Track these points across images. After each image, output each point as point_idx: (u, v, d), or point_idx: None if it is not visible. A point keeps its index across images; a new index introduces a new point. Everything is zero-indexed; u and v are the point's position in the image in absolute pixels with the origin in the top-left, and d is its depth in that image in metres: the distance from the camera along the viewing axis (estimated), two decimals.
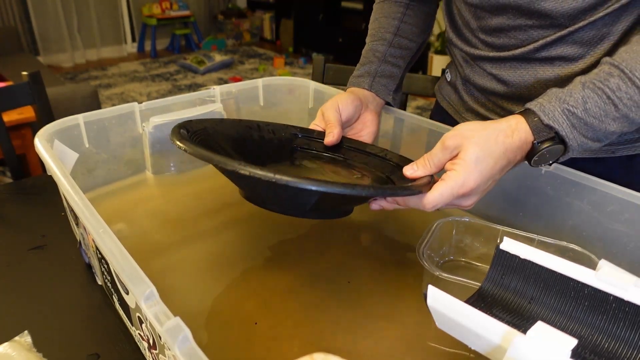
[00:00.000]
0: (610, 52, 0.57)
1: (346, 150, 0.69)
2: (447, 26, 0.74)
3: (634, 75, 0.48)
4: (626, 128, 0.51)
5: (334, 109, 0.67)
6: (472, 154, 0.50)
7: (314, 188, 0.43)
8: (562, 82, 0.60)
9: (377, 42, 0.76)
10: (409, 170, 0.55)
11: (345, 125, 0.69)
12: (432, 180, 0.54)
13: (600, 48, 0.57)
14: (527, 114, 0.51)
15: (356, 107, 0.69)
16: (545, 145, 0.50)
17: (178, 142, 0.50)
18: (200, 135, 0.58)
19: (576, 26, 0.56)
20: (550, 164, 0.53)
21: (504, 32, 0.62)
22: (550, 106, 0.50)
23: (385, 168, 0.64)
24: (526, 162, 0.53)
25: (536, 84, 0.63)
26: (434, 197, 0.50)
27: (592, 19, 0.55)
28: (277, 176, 0.43)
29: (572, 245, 0.55)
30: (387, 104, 0.77)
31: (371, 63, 0.75)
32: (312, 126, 0.70)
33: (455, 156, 0.52)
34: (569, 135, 0.50)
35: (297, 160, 0.68)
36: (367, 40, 0.78)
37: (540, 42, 0.59)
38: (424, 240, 0.56)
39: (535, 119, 0.51)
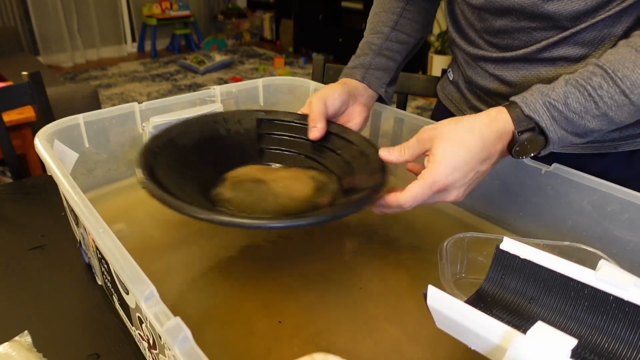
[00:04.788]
0: None
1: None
2: (449, 27, 0.74)
3: (616, 76, 0.49)
4: (605, 127, 0.52)
5: (321, 102, 0.67)
6: (441, 149, 0.51)
7: (247, 224, 0.47)
8: None
9: (374, 35, 0.76)
10: (383, 152, 0.58)
11: (331, 117, 0.70)
12: (377, 189, 0.54)
13: (601, 49, 0.58)
14: (509, 105, 0.53)
15: (343, 101, 0.70)
16: (526, 135, 0.51)
17: (145, 183, 0.52)
18: (167, 151, 0.60)
19: (578, 28, 0.56)
20: (532, 157, 0.54)
21: (507, 34, 0.62)
22: (532, 98, 0.52)
23: (343, 161, 0.66)
24: (512, 156, 0.54)
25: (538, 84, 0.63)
26: (407, 197, 0.52)
27: (593, 20, 0.55)
28: (216, 217, 0.48)
29: (580, 245, 0.55)
30: (380, 97, 0.77)
31: (366, 55, 0.75)
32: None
33: (429, 151, 0.53)
34: (549, 127, 0.51)
35: (264, 156, 0.70)
36: (365, 33, 0.78)
37: (543, 43, 0.59)
38: (444, 266, 0.54)
39: (517, 109, 0.52)
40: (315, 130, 0.66)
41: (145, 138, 0.75)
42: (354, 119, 0.71)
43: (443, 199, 0.54)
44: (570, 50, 0.59)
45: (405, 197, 0.52)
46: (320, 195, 0.62)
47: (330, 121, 0.69)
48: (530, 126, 0.51)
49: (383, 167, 0.60)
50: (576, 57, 0.59)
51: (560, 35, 0.58)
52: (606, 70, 0.50)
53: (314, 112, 0.67)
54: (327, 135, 0.68)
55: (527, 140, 0.52)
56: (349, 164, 0.65)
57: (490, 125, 0.52)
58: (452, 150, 0.52)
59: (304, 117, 0.69)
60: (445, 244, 0.55)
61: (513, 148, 0.52)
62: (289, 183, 0.65)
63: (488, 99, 0.72)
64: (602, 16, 0.55)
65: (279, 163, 0.70)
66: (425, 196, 0.52)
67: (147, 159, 0.56)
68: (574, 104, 0.50)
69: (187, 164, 0.61)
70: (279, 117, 0.71)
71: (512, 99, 0.53)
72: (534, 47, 0.60)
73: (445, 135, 0.52)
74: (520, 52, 0.62)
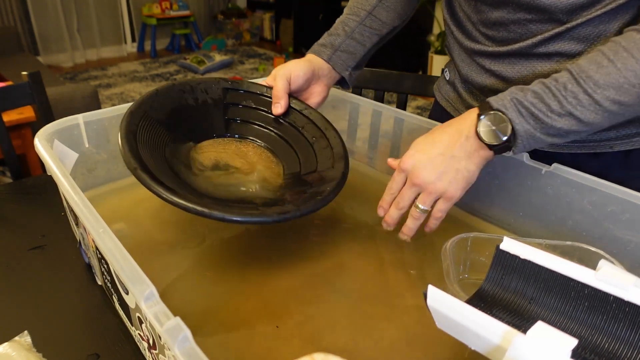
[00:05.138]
0: None
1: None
2: (447, 20, 0.74)
3: (580, 77, 0.51)
4: (577, 127, 0.53)
5: (285, 78, 0.72)
6: (416, 140, 0.59)
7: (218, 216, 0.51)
8: None
9: (350, 17, 0.78)
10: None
11: (293, 93, 0.74)
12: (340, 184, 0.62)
13: (596, 45, 0.58)
14: (480, 104, 0.57)
15: (307, 80, 0.74)
16: (488, 115, 0.54)
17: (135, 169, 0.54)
18: (144, 126, 0.62)
19: (574, 22, 0.57)
20: (504, 146, 0.55)
21: (503, 26, 0.63)
22: (502, 96, 0.55)
23: (307, 142, 0.71)
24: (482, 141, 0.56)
25: (534, 80, 0.63)
26: (389, 183, 0.61)
27: (589, 16, 0.56)
28: (197, 207, 0.51)
29: (582, 245, 0.54)
30: (343, 80, 0.79)
31: (337, 36, 0.77)
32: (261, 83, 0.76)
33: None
34: (515, 119, 0.53)
35: (230, 128, 0.73)
36: (343, 13, 0.80)
37: (539, 37, 0.60)
38: (448, 267, 0.54)
39: (486, 104, 0.55)
40: (278, 107, 0.72)
41: None
42: (313, 98, 0.76)
43: (427, 191, 0.58)
44: (566, 46, 0.59)
45: (389, 182, 0.61)
46: (286, 185, 0.66)
47: (293, 97, 0.74)
48: (492, 111, 0.54)
49: (345, 155, 0.67)
50: (572, 53, 0.59)
51: (556, 30, 0.58)
52: (572, 72, 0.52)
53: (278, 88, 0.71)
54: (291, 111, 0.73)
55: (488, 117, 0.54)
56: (311, 146, 0.70)
57: (459, 118, 0.57)
58: (418, 139, 0.60)
59: (269, 89, 0.74)
60: (447, 245, 0.55)
61: (477, 129, 0.55)
62: (259, 167, 0.69)
63: (484, 98, 0.72)
64: (598, 12, 0.55)
65: (244, 136, 0.73)
66: (397, 178, 0.60)
67: (130, 142, 0.58)
68: (539, 103, 0.52)
69: (162, 140, 0.64)
70: (244, 87, 0.74)
71: (486, 99, 0.56)
72: (529, 41, 0.61)
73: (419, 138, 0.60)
74: (516, 46, 0.62)
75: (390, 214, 0.62)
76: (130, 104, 0.63)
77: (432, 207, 0.59)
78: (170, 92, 0.68)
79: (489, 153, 0.56)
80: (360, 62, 0.79)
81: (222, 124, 0.73)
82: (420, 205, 0.59)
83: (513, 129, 0.53)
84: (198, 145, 0.69)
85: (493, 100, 0.55)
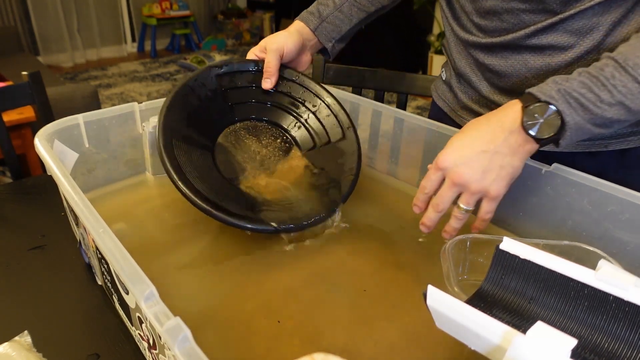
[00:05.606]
0: (600, 44, 0.58)
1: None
2: (444, 11, 0.74)
3: (627, 65, 0.49)
4: (624, 116, 0.51)
5: (277, 54, 0.73)
6: (453, 137, 0.56)
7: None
8: (553, 71, 0.61)
9: None
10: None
11: (282, 63, 0.75)
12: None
13: (589, 38, 0.58)
14: (522, 96, 0.54)
15: (298, 52, 0.76)
16: (534, 106, 0.52)
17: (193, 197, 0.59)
18: (173, 144, 0.63)
19: (567, 14, 0.57)
20: (552, 139, 0.53)
21: (497, 15, 0.62)
22: (547, 87, 0.52)
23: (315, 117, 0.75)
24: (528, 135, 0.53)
25: (527, 74, 0.63)
26: (423, 181, 0.57)
27: (582, 7, 0.56)
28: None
29: (580, 244, 0.54)
30: (324, 49, 0.80)
31: (327, 6, 0.78)
32: (250, 54, 0.76)
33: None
34: (565, 111, 0.51)
35: (235, 112, 0.74)
36: None
37: (532, 27, 0.59)
38: (448, 269, 0.53)
39: (530, 96, 0.53)
40: (268, 82, 0.73)
41: (145, 138, 0.75)
42: (300, 67, 0.79)
43: (470, 190, 0.55)
44: (559, 38, 0.59)
45: (423, 180, 0.58)
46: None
47: (285, 66, 0.76)
48: (538, 103, 0.51)
49: (351, 123, 0.72)
50: (564, 46, 0.59)
51: (550, 21, 0.58)
52: (617, 61, 0.50)
53: (270, 63, 0.73)
54: (285, 82, 0.76)
55: (534, 109, 0.52)
56: (315, 115, 0.74)
57: (497, 111, 0.54)
58: (455, 136, 0.56)
59: (259, 63, 0.75)
60: (447, 246, 0.55)
61: (524, 122, 0.52)
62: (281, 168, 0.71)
63: (479, 97, 0.72)
64: (592, 3, 0.55)
65: (250, 118, 0.74)
66: (433, 177, 0.57)
67: (172, 160, 0.61)
68: (589, 94, 0.50)
69: (189, 149, 0.65)
70: (235, 69, 0.75)
71: (527, 90, 0.53)
72: (522, 32, 0.60)
73: (457, 133, 0.56)
74: (509, 36, 0.62)
75: (429, 217, 0.59)
76: (157, 136, 0.63)
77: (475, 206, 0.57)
78: (176, 101, 0.68)
79: (534, 147, 0.54)
80: (344, 36, 0.80)
81: (229, 112, 0.73)
82: (463, 206, 0.56)
83: (562, 120, 0.51)
84: (217, 143, 0.70)
85: (536, 91, 0.52)
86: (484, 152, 0.53)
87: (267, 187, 0.66)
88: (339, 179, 0.68)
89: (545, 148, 0.66)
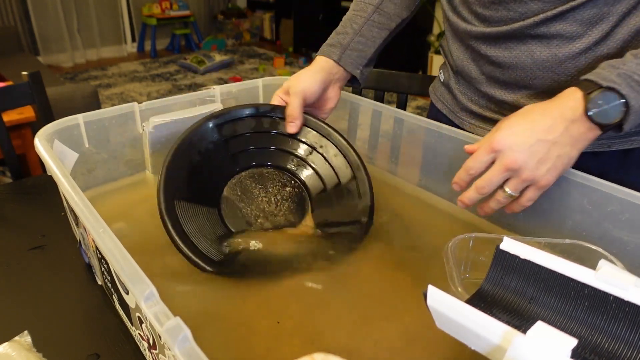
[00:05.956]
0: (607, 35, 0.57)
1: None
2: (443, 4, 0.73)
3: None
4: None
5: (301, 96, 0.69)
6: (501, 122, 0.54)
7: None
8: (559, 63, 0.60)
9: (357, 13, 0.76)
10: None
11: (308, 107, 0.72)
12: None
13: (598, 28, 0.57)
14: (579, 83, 0.52)
15: (323, 90, 0.72)
16: (596, 93, 0.50)
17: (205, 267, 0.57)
18: (173, 198, 0.61)
19: (578, 1, 0.56)
20: (618, 126, 0.51)
21: (502, 4, 0.61)
22: (605, 72, 0.51)
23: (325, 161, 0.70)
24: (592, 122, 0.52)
25: (532, 66, 0.62)
26: (469, 160, 0.55)
27: None
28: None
29: (581, 242, 0.54)
30: (354, 78, 0.77)
31: (346, 34, 0.75)
32: (274, 98, 0.73)
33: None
34: (629, 95, 0.49)
35: (237, 161, 0.71)
36: (350, 8, 0.78)
37: (541, 16, 0.58)
38: (451, 269, 0.53)
39: (589, 83, 0.51)
40: (293, 126, 0.69)
41: (145, 138, 0.75)
42: (328, 104, 0.75)
43: (521, 177, 0.53)
44: (568, 27, 0.58)
45: (469, 160, 0.55)
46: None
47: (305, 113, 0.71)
48: (600, 89, 0.50)
49: (361, 161, 0.66)
50: (571, 35, 0.58)
51: (559, 9, 0.57)
52: None
53: (294, 107, 0.69)
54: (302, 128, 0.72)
55: (599, 97, 0.50)
56: (316, 150, 0.70)
57: (554, 100, 0.53)
58: (510, 119, 0.54)
59: (259, 107, 0.72)
60: (449, 245, 0.55)
61: (589, 110, 0.50)
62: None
63: (479, 98, 0.72)
64: None
65: (254, 165, 0.71)
66: (483, 158, 0.54)
67: (170, 214, 0.59)
68: None
69: (189, 206, 0.63)
70: (233, 116, 0.72)
71: (583, 77, 0.52)
72: (530, 20, 0.59)
73: (508, 117, 0.54)
74: (516, 25, 0.60)
75: (469, 197, 0.57)
76: (157, 198, 0.60)
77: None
78: (178, 155, 0.66)
79: (597, 134, 0.52)
80: (371, 59, 0.77)
81: (232, 162, 0.70)
82: (509, 191, 0.55)
83: (627, 104, 0.50)
84: (223, 197, 0.67)
85: (596, 77, 0.51)
86: (542, 141, 0.52)
87: (274, 243, 0.64)
88: (351, 223, 0.64)
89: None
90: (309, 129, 0.72)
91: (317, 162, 0.70)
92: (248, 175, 0.70)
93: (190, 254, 0.56)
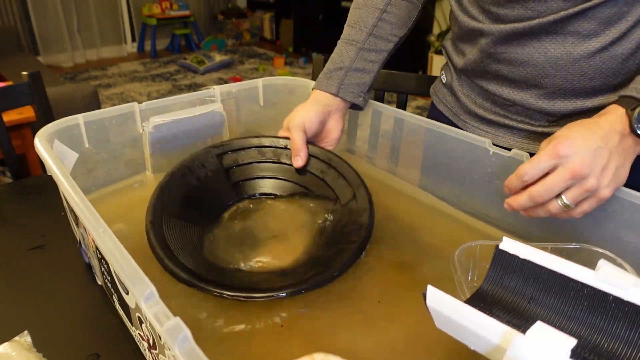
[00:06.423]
0: (623, 35, 0.57)
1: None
2: (451, 3, 0.72)
3: None
4: None
5: (300, 130, 0.69)
6: (561, 130, 0.52)
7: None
8: (573, 61, 0.60)
9: (350, 42, 0.75)
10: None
11: (310, 139, 0.72)
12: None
13: (616, 28, 0.57)
14: (619, 100, 0.52)
15: (321, 123, 0.72)
16: (638, 106, 0.50)
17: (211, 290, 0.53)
18: (163, 224, 0.60)
19: (598, 0, 0.55)
20: None
21: (520, 3, 0.60)
22: None
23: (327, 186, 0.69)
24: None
25: (545, 63, 0.61)
26: (526, 165, 0.51)
27: None
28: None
29: (590, 247, 0.54)
30: (356, 105, 0.76)
31: (341, 64, 0.74)
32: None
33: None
34: None
35: (241, 191, 0.71)
36: (344, 31, 0.76)
37: (562, 14, 0.57)
38: (460, 279, 0.52)
39: (630, 100, 0.51)
40: (299, 159, 0.70)
41: (145, 138, 0.75)
42: (331, 134, 0.74)
43: (584, 187, 0.50)
44: (585, 25, 0.57)
45: (524, 165, 0.52)
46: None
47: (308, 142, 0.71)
48: (638, 103, 0.50)
49: (361, 180, 0.64)
50: (588, 34, 0.58)
51: (582, 7, 0.56)
52: None
53: (296, 141, 0.69)
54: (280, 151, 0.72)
55: None
56: (319, 178, 0.69)
57: (601, 115, 0.53)
58: (566, 129, 0.52)
59: (261, 138, 0.73)
60: (456, 254, 0.53)
61: (634, 126, 0.50)
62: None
63: (482, 99, 0.71)
64: None
65: (256, 195, 0.72)
66: (543, 164, 0.51)
67: (161, 243, 0.57)
68: None
69: (181, 232, 0.62)
70: (235, 146, 0.73)
71: (622, 94, 0.52)
72: (550, 18, 0.58)
73: (561, 129, 0.53)
74: (534, 22, 0.59)
75: (520, 203, 0.54)
76: (146, 217, 0.61)
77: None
78: (172, 181, 0.66)
79: None
80: (372, 84, 0.76)
81: (232, 189, 0.71)
82: (566, 201, 0.51)
83: None
84: (220, 220, 0.67)
85: (637, 94, 0.51)
86: (601, 148, 0.50)
87: (267, 263, 0.62)
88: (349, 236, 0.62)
89: None
90: (310, 156, 0.72)
91: (319, 188, 0.70)
92: (249, 203, 0.71)
93: (168, 263, 0.54)
